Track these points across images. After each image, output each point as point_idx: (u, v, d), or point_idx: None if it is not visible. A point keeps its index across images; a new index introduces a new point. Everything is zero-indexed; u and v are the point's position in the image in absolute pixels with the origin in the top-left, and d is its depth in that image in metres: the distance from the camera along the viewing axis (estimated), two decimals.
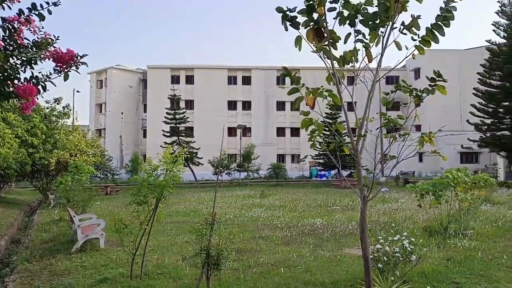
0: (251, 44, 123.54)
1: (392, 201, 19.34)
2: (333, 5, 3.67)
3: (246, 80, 56.12)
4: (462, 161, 44.19)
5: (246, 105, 55.88)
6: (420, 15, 3.64)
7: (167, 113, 43.87)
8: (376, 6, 3.61)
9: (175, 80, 54.41)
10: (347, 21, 3.71)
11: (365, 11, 3.65)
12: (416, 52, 3.85)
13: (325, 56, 3.93)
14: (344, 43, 3.80)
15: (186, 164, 40.87)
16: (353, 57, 3.92)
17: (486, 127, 31.81)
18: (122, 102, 55.66)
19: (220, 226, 6.38)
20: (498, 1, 31.51)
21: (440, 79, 3.82)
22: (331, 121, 32.69)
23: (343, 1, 3.63)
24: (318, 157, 40.76)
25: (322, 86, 4.00)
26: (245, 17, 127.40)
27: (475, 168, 39.61)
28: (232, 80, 56.00)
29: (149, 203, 6.85)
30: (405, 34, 3.73)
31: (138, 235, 6.95)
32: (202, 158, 41.61)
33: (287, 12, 3.72)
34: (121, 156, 54.31)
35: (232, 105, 55.54)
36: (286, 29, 3.75)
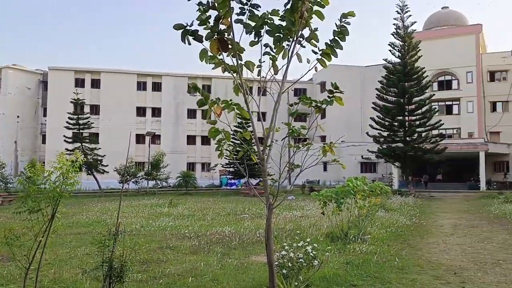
0: (163, 49, 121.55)
1: (298, 208, 20.03)
2: (240, 17, 3.75)
3: (156, 87, 55.01)
4: (362, 171, 47.22)
5: (156, 112, 54.72)
6: (317, 28, 3.86)
7: (69, 118, 41.27)
8: (280, 19, 3.76)
9: (79, 83, 51.64)
10: (253, 31, 3.81)
11: (271, 21, 3.78)
12: (321, 65, 4.07)
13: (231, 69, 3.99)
14: (251, 46, 3.89)
15: (89, 172, 38.90)
16: (259, 69, 4.04)
17: (383, 139, 34.34)
18: (18, 104, 51.44)
19: (125, 237, 6.15)
20: (394, 24, 34.38)
21: (337, 90, 4.08)
22: (241, 130, 33.02)
23: (249, 14, 3.72)
24: (229, 166, 41.02)
25: (230, 100, 4.04)
26: (159, 21, 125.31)
27: (373, 177, 42.50)
28: (141, 86, 54.55)
29: (45, 212, 6.37)
30: (304, 46, 3.93)
31: (32, 248, 6.42)
32: (107, 165, 39.80)
33: (187, 28, 3.72)
34: (16, 163, 50.08)
35: (141, 111, 54.04)
36: (189, 43, 3.76)
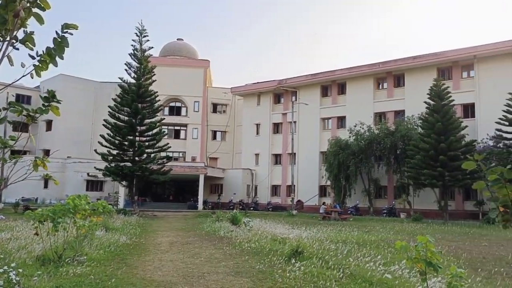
0: None
1: (7, 229, 17.60)
2: None
3: None
4: (88, 189, 45.36)
5: None
6: (33, 32, 3.56)
7: None
8: None
9: None
10: None
11: None
12: (36, 73, 3.72)
13: None
14: None
15: None
16: None
17: (112, 157, 33.94)
18: None
19: None
20: (132, 45, 34.96)
21: (54, 100, 3.82)
22: None
23: None
24: None
25: None
26: None
27: (99, 195, 41.46)
28: None
29: None
30: (18, 49, 3.55)
31: None
32: None
33: None
34: None
35: None
36: None
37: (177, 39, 60.53)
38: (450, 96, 32.58)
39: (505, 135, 31.07)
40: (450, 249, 13.85)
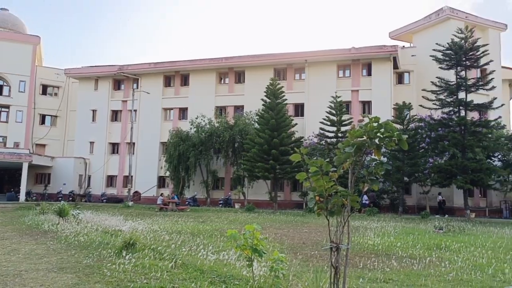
0: None
1: None
2: None
3: None
4: None
5: None
6: None
7: None
8: None
9: None
10: None
11: None
12: None
13: None
14: None
15: None
16: None
17: None
18: None
19: None
20: None
21: None
22: None
23: None
24: None
25: None
26: None
27: None
28: None
29: None
30: None
31: None
32: None
33: None
34: None
35: None
36: None
37: (1, 9, 53.10)
38: (284, 96, 35.22)
39: (327, 133, 34.92)
40: (276, 236, 14.98)
